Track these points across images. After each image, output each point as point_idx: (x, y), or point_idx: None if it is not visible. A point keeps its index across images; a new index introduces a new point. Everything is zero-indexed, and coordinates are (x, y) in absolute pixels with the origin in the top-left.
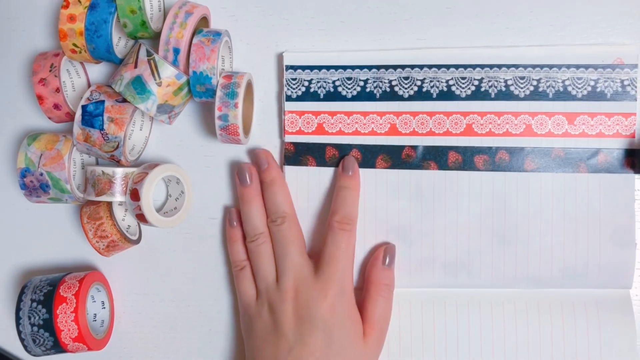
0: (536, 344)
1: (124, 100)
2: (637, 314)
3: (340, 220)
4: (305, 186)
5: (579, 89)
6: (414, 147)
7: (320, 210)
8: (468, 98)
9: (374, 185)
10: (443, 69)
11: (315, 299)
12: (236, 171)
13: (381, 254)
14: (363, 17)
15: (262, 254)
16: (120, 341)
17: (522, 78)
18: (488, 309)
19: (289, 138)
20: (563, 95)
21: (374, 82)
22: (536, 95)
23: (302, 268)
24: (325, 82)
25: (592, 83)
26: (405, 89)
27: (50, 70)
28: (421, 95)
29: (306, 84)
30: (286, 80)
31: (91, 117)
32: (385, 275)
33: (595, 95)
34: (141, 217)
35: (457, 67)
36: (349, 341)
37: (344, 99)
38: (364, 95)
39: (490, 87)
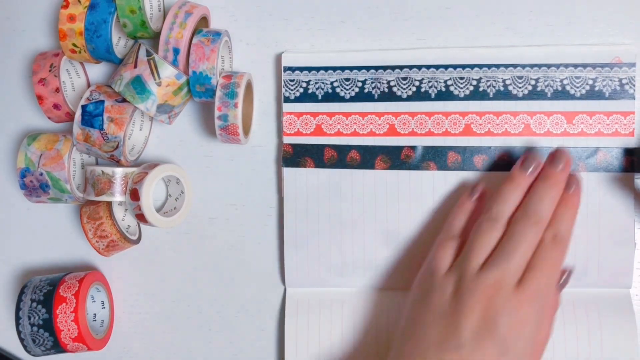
0: None
1: (124, 100)
2: (638, 313)
3: (551, 235)
4: (304, 188)
5: (578, 88)
6: (413, 148)
7: (319, 212)
8: (466, 98)
9: (373, 186)
10: (441, 69)
11: (508, 312)
12: (525, 155)
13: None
14: (363, 17)
15: (490, 237)
16: (120, 341)
17: (521, 78)
18: None
19: (287, 139)
20: (561, 94)
21: (372, 82)
22: (534, 94)
23: (513, 273)
24: (323, 83)
25: (591, 82)
26: (404, 89)
27: (50, 70)
28: (420, 95)
29: (304, 85)
30: (284, 82)
31: (91, 117)
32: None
33: (593, 94)
34: (141, 217)
35: (455, 67)
36: None
37: (342, 99)
38: (363, 96)
39: (488, 87)
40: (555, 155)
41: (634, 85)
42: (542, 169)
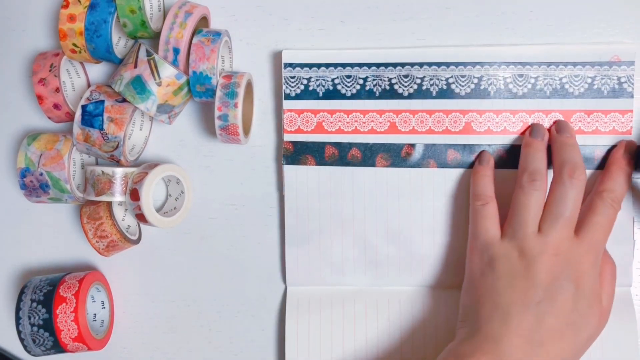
0: None
1: (124, 100)
2: (638, 313)
3: (611, 197)
4: (305, 185)
5: (576, 86)
6: (413, 145)
7: (320, 210)
8: (467, 96)
9: (374, 184)
10: (443, 66)
11: (576, 262)
12: (531, 127)
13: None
14: (363, 17)
15: (535, 199)
16: (120, 341)
17: (521, 76)
18: None
19: (288, 137)
20: (560, 92)
21: (374, 80)
22: (534, 93)
23: (569, 228)
24: (324, 80)
25: (589, 80)
26: (405, 87)
27: (50, 70)
28: (421, 93)
29: (305, 82)
30: (285, 79)
31: (91, 117)
32: (608, 259)
33: (592, 92)
34: (141, 217)
35: (456, 64)
36: (590, 311)
37: (343, 97)
38: (364, 94)
39: (489, 85)
40: (560, 126)
41: (632, 84)
42: (553, 138)
